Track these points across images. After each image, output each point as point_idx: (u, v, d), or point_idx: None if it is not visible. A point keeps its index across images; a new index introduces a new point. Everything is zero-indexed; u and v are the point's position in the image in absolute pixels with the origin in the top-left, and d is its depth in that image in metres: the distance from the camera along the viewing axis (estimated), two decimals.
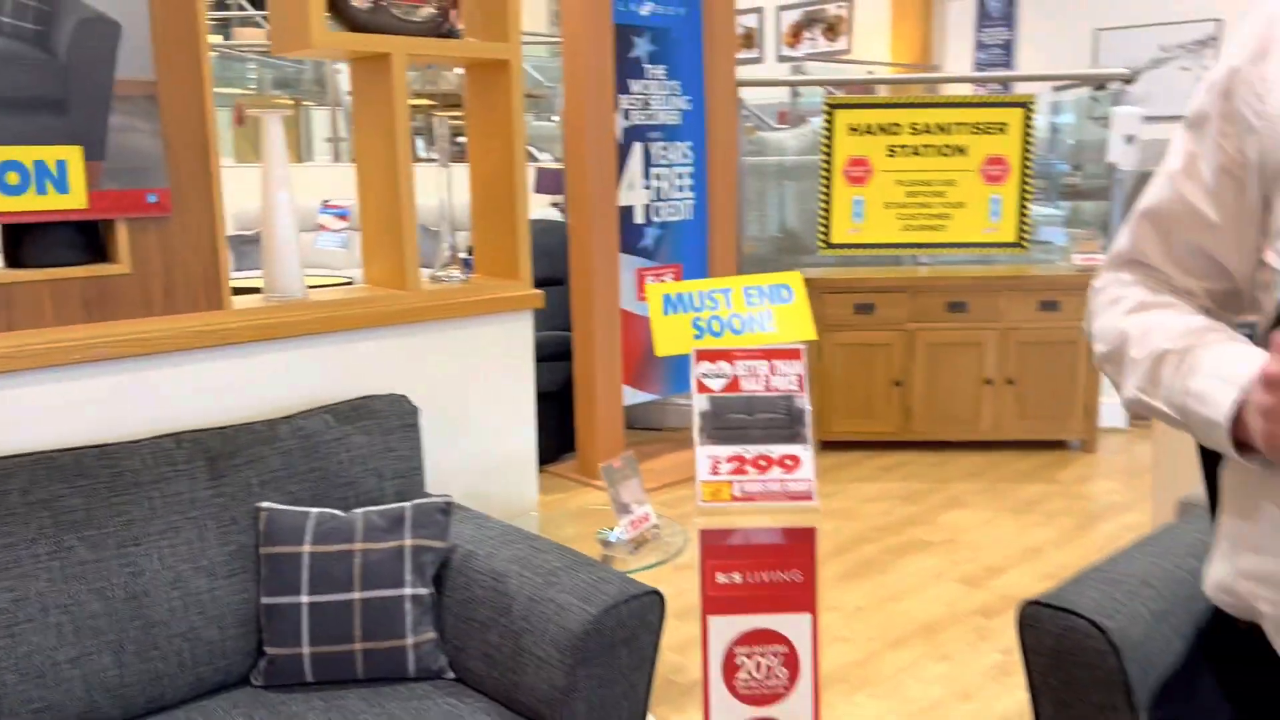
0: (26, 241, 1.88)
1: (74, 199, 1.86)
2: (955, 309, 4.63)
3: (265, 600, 1.84)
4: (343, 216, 7.19)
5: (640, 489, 2.32)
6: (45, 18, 1.80)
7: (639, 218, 4.45)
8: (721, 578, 1.78)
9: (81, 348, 1.89)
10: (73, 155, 1.85)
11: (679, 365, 4.67)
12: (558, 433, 4.60)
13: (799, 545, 1.77)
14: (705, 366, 1.83)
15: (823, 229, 4.90)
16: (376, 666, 1.83)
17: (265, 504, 1.91)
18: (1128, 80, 5.03)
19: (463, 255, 2.63)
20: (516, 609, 1.78)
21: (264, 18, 9.78)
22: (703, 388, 1.83)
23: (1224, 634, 0.92)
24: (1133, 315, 0.95)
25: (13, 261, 1.89)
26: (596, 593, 1.73)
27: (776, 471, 1.78)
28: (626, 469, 2.30)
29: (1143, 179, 3.44)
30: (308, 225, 6.91)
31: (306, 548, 1.85)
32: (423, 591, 1.88)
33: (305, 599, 1.82)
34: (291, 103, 8.45)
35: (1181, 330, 0.88)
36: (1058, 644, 1.58)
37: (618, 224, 4.31)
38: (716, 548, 1.77)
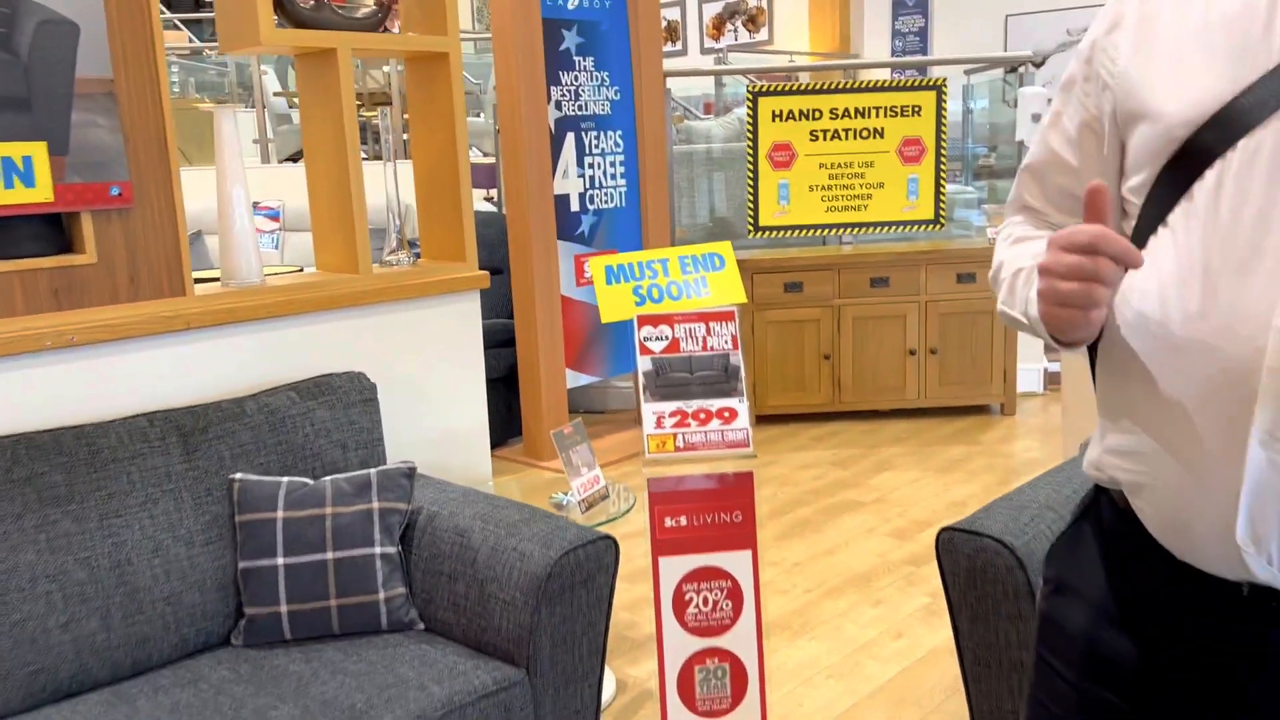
0: None
1: (40, 192, 1.95)
2: (878, 284, 4.86)
3: (243, 564, 1.96)
4: (274, 218, 7.20)
5: (590, 453, 2.48)
6: (6, 20, 1.89)
7: (575, 205, 4.59)
8: (670, 521, 1.95)
9: (52, 334, 1.98)
10: (38, 151, 1.94)
11: (619, 348, 4.83)
12: (504, 417, 4.73)
13: (738, 489, 1.94)
14: (648, 330, 1.99)
15: (751, 213, 5.09)
16: (351, 621, 1.96)
17: (238, 475, 2.02)
18: (1037, 64, 5.31)
19: (411, 240, 2.75)
20: (481, 559, 1.93)
21: (181, 21, 9.68)
22: (645, 350, 1.99)
23: (1097, 502, 1.11)
24: (1013, 246, 1.15)
25: None
26: (555, 539, 1.88)
27: (715, 423, 1.95)
28: (576, 434, 2.45)
29: None
30: None
31: (280, 514, 1.97)
32: (391, 550, 2.01)
33: (281, 561, 1.94)
34: (215, 106, 8.40)
35: (1037, 251, 1.07)
36: (971, 564, 1.77)
37: (554, 212, 4.44)
38: (664, 494, 1.93)
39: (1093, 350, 1.09)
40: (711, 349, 2.00)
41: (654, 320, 2.00)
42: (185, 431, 2.01)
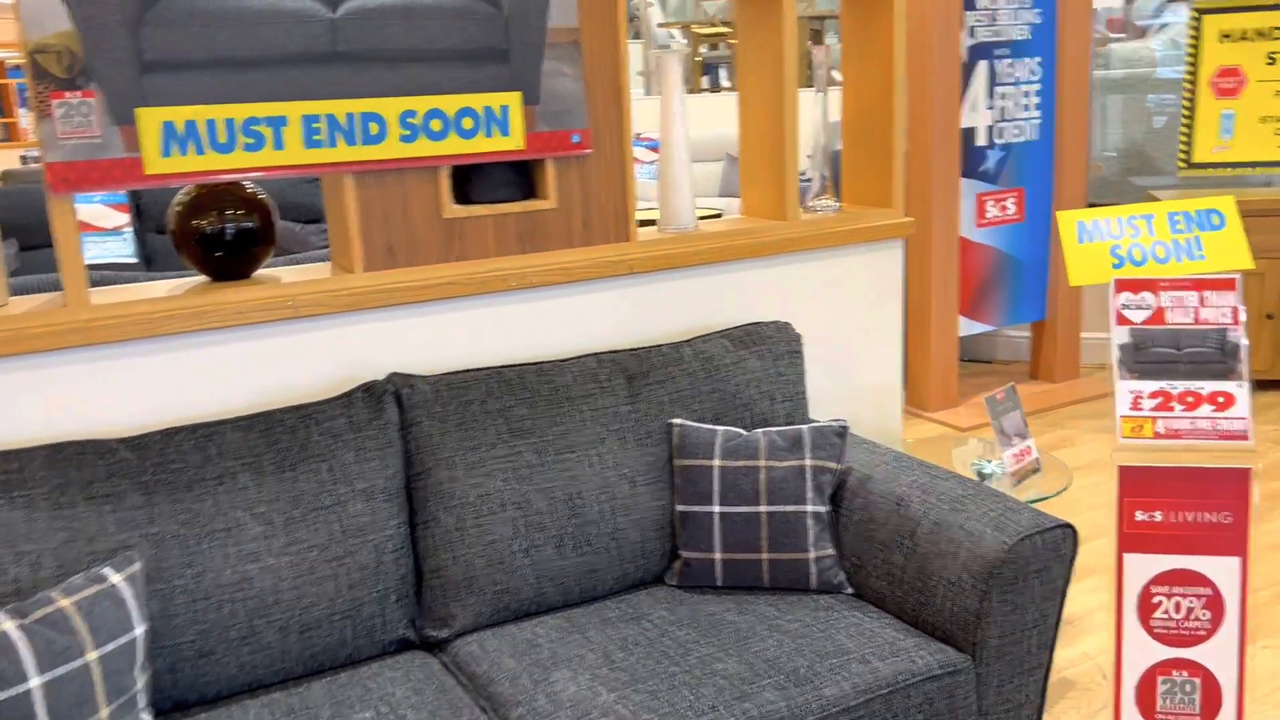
0: (472, 181, 2.11)
1: (514, 141, 2.06)
2: None
3: (680, 508, 2.00)
4: (654, 149, 7.41)
5: (1023, 421, 2.29)
6: None
7: (981, 139, 4.27)
8: (1140, 515, 1.74)
9: (516, 275, 2.11)
10: (513, 100, 2.04)
11: (1019, 295, 4.50)
12: None
13: (1230, 486, 1.69)
14: (1126, 297, 1.77)
15: (1183, 147, 4.49)
16: (780, 576, 1.95)
17: (677, 420, 2.06)
18: None
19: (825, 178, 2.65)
20: (922, 532, 1.83)
21: None
22: (1123, 319, 1.77)
23: None
24: None
25: (461, 199, 2.12)
26: (1008, 522, 1.75)
27: (1206, 409, 1.70)
28: (1009, 400, 2.27)
29: None
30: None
31: (717, 462, 1.99)
32: (821, 509, 1.97)
33: (717, 509, 1.97)
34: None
35: None
36: None
37: (959, 147, 4.17)
38: (1136, 484, 1.73)
39: None
40: (1205, 322, 1.74)
41: (1134, 286, 1.77)
42: (630, 374, 2.08)
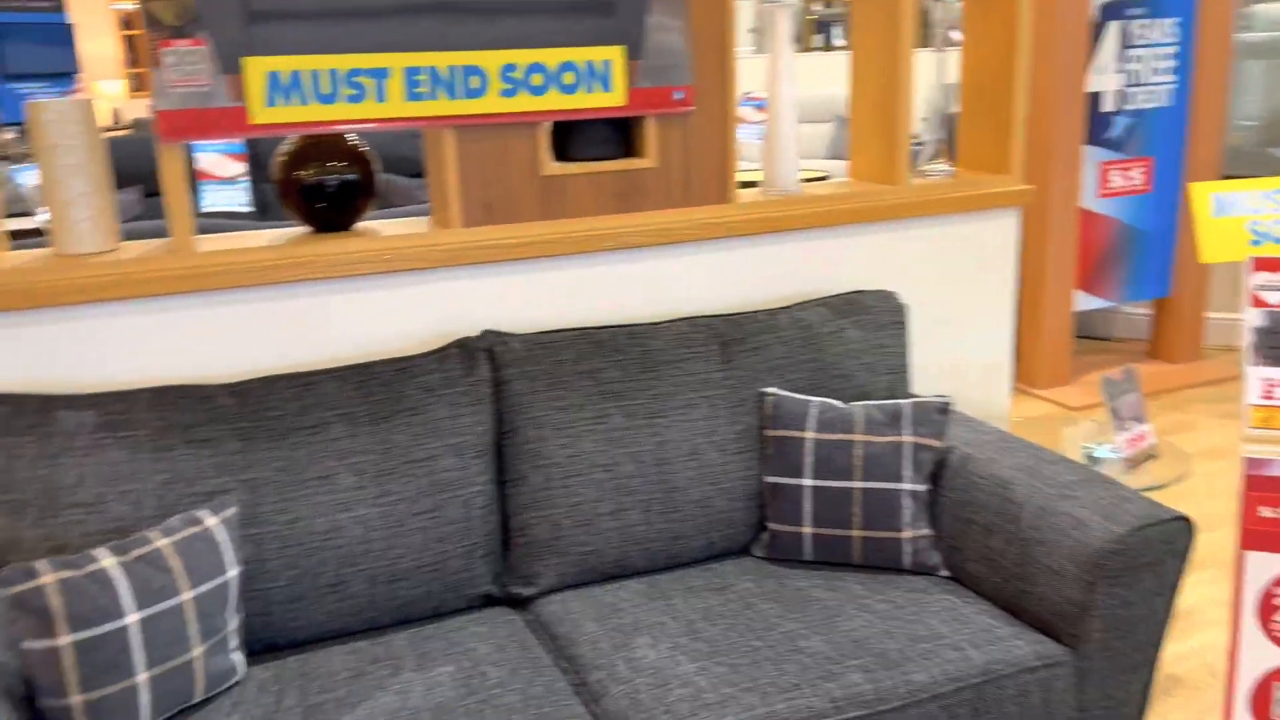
0: (572, 138, 2.08)
1: (615, 97, 2.01)
2: None
3: (769, 479, 1.96)
4: (763, 108, 7.26)
5: (1140, 405, 2.17)
6: None
7: (1107, 105, 4.05)
8: (1266, 511, 1.62)
9: (613, 235, 2.07)
10: (616, 55, 2.00)
11: (1141, 270, 4.27)
12: None
13: None
14: (1265, 277, 1.64)
15: None
16: (872, 554, 1.89)
17: (770, 389, 2.01)
18: None
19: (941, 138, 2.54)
20: (1025, 518, 1.75)
21: None
22: (1259, 301, 1.64)
23: None
24: None
25: (560, 156, 2.09)
26: (1120, 511, 1.65)
27: None
28: (1127, 381, 2.15)
29: None
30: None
31: (810, 434, 1.93)
32: (920, 488, 1.90)
33: (808, 482, 1.91)
34: None
35: None
36: None
37: (1083, 113, 3.95)
38: (1263, 479, 1.61)
39: None
40: None
41: (1275, 265, 1.64)
42: (724, 340, 2.03)
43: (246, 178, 5.20)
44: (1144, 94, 4.10)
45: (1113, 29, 3.96)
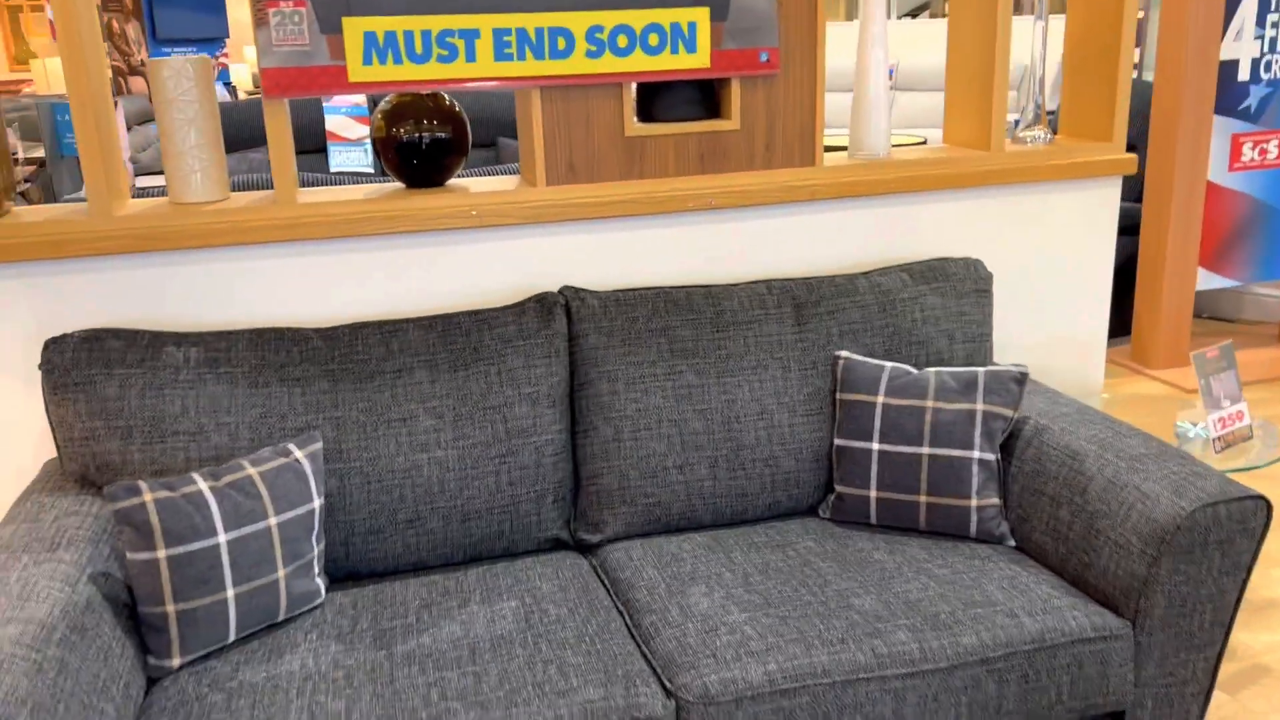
0: (656, 99, 2.11)
1: (699, 58, 2.04)
2: None
3: (838, 442, 1.97)
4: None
5: (1236, 383, 2.09)
6: None
7: (1243, 74, 3.83)
8: None
9: (695, 196, 2.10)
10: (701, 17, 2.02)
11: (1271, 249, 4.05)
12: (1114, 314, 4.26)
13: None
14: None
15: None
16: (937, 521, 1.89)
17: (843, 353, 2.02)
18: None
19: (1050, 111, 2.47)
20: (1094, 490, 1.72)
21: None
22: None
23: None
24: None
25: (645, 116, 2.13)
26: (1190, 487, 1.61)
27: None
28: (1222, 359, 2.07)
29: None
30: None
31: (880, 398, 1.94)
32: (990, 457, 1.88)
33: (876, 446, 1.92)
34: None
35: None
36: None
37: (1215, 81, 3.76)
38: None
39: None
40: None
41: None
42: (799, 302, 2.04)
43: (370, 139, 5.41)
44: None
45: None
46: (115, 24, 6.98)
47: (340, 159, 5.38)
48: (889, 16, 8.13)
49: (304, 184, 3.18)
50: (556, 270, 2.10)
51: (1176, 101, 3.75)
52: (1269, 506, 1.60)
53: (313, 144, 5.38)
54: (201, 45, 7.33)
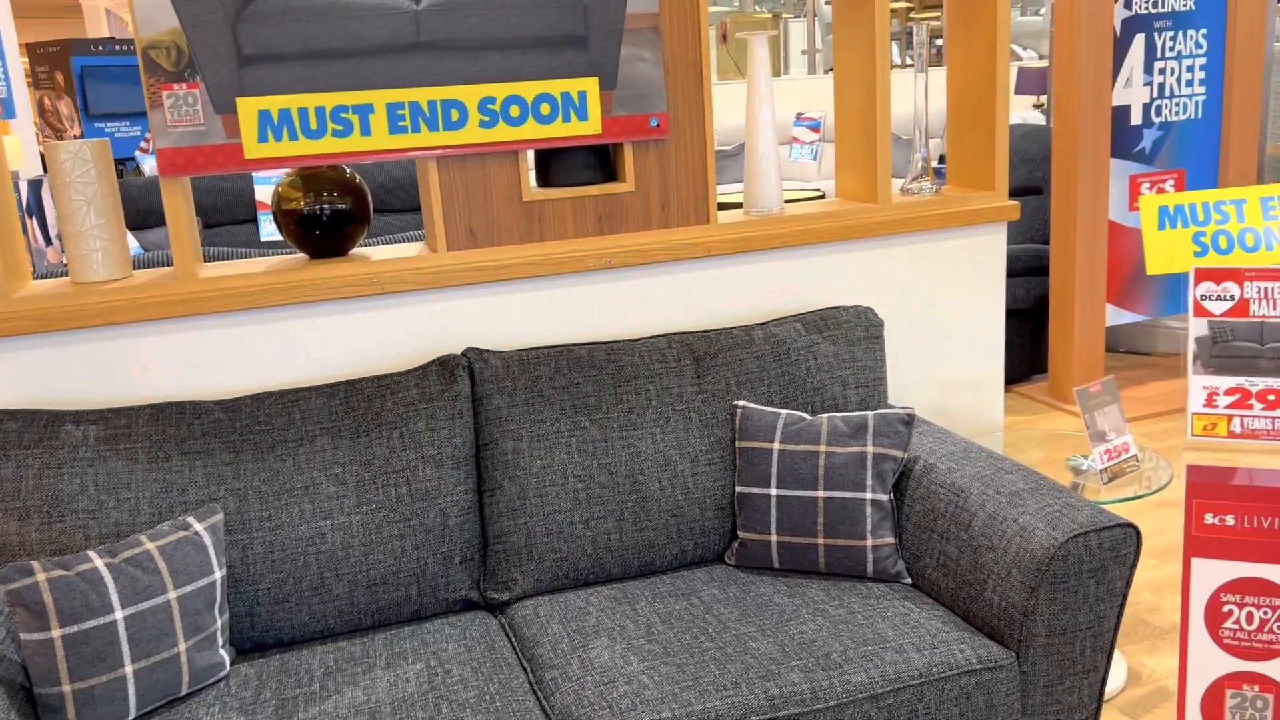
0: (553, 164, 2.19)
1: (591, 126, 2.12)
2: None
3: (739, 489, 2.02)
4: (814, 129, 7.30)
5: (1120, 416, 2.18)
6: None
7: (1136, 118, 4.02)
8: (1210, 519, 1.64)
9: (594, 256, 2.17)
10: (591, 86, 2.10)
11: (1176, 284, 4.21)
12: (1029, 352, 4.39)
13: None
14: (1206, 287, 1.66)
15: None
16: (836, 562, 1.94)
17: (741, 402, 2.08)
18: None
19: (935, 165, 2.58)
20: (977, 525, 1.79)
21: None
22: (1201, 310, 1.66)
23: None
24: None
25: (543, 181, 2.20)
26: (1063, 519, 1.68)
27: None
28: (1105, 394, 2.16)
29: None
30: (782, 138, 7.12)
31: (776, 445, 2.00)
32: (882, 497, 1.94)
33: (774, 491, 1.98)
34: (771, 18, 8.67)
35: None
36: None
37: (1110, 126, 3.93)
38: (1206, 486, 1.63)
39: None
40: None
41: (1216, 275, 1.66)
42: (698, 355, 2.11)
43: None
44: (1174, 106, 4.06)
45: (1137, 42, 3.94)
46: (47, 101, 6.98)
47: (270, 228, 5.41)
48: (815, 71, 8.38)
49: (229, 256, 3.20)
50: (461, 332, 2.14)
51: (1074, 146, 3.92)
52: (1138, 535, 1.67)
53: (244, 214, 5.40)
54: (133, 119, 7.34)
